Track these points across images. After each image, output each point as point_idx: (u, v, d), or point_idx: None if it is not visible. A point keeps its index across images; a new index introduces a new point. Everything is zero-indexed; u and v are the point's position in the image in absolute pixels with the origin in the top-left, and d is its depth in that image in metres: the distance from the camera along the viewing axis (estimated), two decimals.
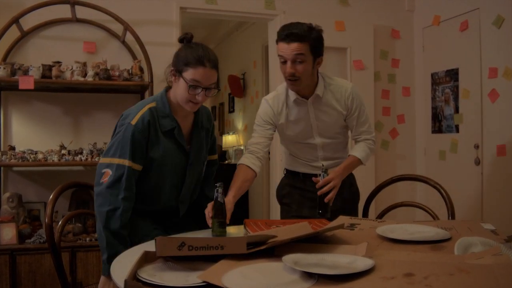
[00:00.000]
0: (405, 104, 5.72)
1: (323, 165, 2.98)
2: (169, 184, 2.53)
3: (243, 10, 5.10)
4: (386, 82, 5.63)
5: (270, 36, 5.40)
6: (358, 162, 2.92)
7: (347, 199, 3.01)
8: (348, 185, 3.03)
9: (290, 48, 2.67)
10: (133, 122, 2.37)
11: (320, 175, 2.67)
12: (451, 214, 2.83)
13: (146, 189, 2.49)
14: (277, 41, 2.75)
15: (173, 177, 2.53)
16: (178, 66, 2.40)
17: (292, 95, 2.88)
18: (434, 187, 2.95)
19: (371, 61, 5.45)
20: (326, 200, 2.62)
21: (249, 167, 2.80)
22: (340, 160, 3.01)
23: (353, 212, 3.05)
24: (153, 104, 2.46)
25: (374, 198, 3.20)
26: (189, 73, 2.36)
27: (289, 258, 1.62)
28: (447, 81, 5.22)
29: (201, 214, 2.57)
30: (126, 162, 2.34)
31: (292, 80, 2.73)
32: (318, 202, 2.66)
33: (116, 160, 2.34)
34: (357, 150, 2.94)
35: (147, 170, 2.45)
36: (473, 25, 4.85)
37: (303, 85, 2.78)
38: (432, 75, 5.45)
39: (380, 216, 3.09)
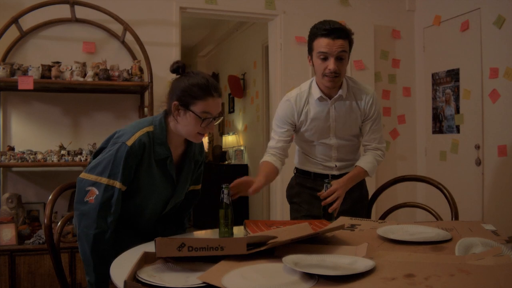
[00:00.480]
0: (405, 104, 5.71)
1: (336, 166, 2.98)
2: (150, 209, 2.46)
3: (243, 10, 5.10)
4: (387, 83, 5.62)
5: (270, 36, 5.39)
6: (365, 173, 2.90)
7: (356, 200, 2.99)
8: (359, 186, 3.00)
9: (335, 45, 2.65)
10: (129, 143, 2.25)
11: (324, 186, 2.64)
12: (455, 215, 2.81)
13: (126, 210, 2.37)
14: (315, 37, 2.72)
15: (155, 204, 2.46)
16: (184, 99, 2.28)
17: (316, 93, 2.85)
18: (437, 187, 2.93)
19: (371, 61, 5.45)
20: (330, 210, 2.61)
21: (273, 164, 2.85)
22: (352, 162, 3.00)
23: (362, 213, 3.04)
24: (150, 128, 2.34)
25: (376, 199, 3.18)
26: (199, 106, 2.27)
27: (289, 259, 1.61)
28: (447, 81, 5.21)
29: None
30: (117, 184, 2.23)
31: (333, 76, 2.71)
32: (322, 212, 2.64)
33: (105, 180, 2.22)
34: (364, 162, 2.91)
35: (132, 193, 2.36)
36: (474, 25, 4.84)
37: (339, 82, 2.79)
38: (432, 75, 5.44)
39: (383, 217, 3.07)
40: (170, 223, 2.67)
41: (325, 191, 2.62)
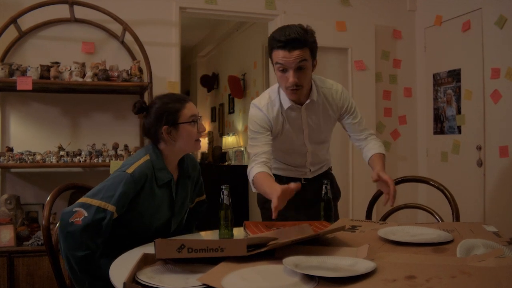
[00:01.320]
0: (406, 105, 5.70)
1: (310, 170, 2.94)
2: (155, 230, 2.46)
3: (243, 10, 5.08)
4: (388, 83, 5.61)
5: None
6: (384, 156, 2.81)
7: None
8: (329, 184, 2.92)
9: (292, 56, 2.48)
10: (129, 171, 2.29)
11: (323, 187, 2.56)
12: (456, 216, 2.79)
13: (133, 233, 2.39)
14: (272, 49, 2.57)
15: (158, 225, 2.47)
16: (170, 120, 2.39)
17: (286, 103, 2.72)
18: (439, 188, 2.91)
19: (372, 61, 5.44)
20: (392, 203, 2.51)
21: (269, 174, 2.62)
22: (324, 163, 2.96)
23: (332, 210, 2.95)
24: (148, 157, 2.39)
25: (377, 200, 3.14)
26: (184, 116, 2.40)
27: (289, 260, 1.59)
28: (449, 81, 5.19)
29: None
30: (110, 207, 2.19)
31: (295, 89, 2.59)
32: (322, 213, 2.57)
33: (96, 202, 2.19)
34: (376, 147, 2.80)
35: (135, 218, 2.36)
36: (475, 25, 4.83)
37: (303, 92, 2.66)
38: (434, 75, 5.42)
39: (384, 218, 3.05)
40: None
41: (325, 192, 2.56)
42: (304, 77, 2.57)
